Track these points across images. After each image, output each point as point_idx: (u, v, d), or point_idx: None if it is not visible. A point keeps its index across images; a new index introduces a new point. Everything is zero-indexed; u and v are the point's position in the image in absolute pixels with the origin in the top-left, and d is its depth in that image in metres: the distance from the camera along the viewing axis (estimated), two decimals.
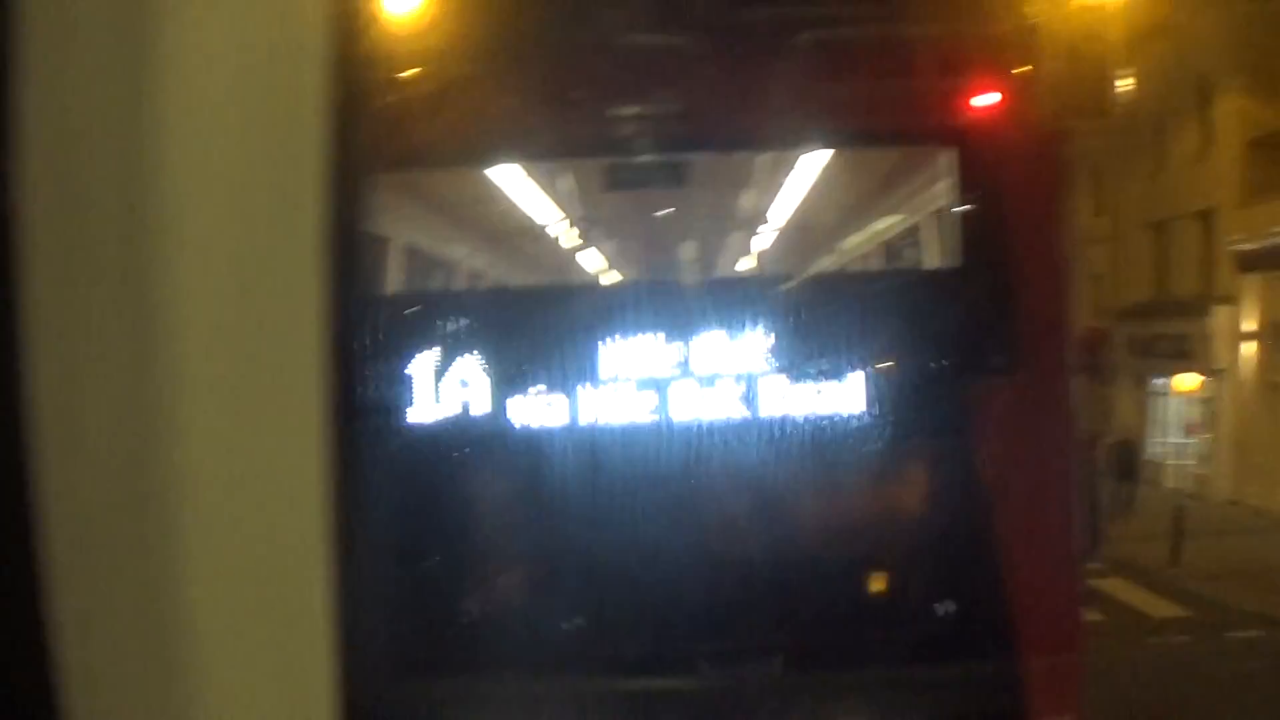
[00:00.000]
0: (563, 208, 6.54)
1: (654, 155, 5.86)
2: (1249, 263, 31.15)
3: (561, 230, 6.59)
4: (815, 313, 5.63)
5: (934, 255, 6.24)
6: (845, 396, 5.42)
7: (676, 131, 5.73)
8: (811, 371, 5.43)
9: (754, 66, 5.74)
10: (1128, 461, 27.07)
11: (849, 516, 5.74)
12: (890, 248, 6.63)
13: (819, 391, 5.42)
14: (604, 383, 5.39)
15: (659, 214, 6.55)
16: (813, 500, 5.66)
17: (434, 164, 5.78)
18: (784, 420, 5.40)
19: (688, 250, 6.87)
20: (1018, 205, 5.61)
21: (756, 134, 5.92)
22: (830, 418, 5.39)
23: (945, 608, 5.59)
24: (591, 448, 5.41)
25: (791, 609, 5.60)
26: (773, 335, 5.43)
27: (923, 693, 5.49)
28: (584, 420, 5.42)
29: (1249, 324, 31.04)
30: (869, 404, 5.41)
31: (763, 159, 6.38)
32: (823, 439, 5.40)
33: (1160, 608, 20.84)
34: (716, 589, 5.39)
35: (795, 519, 5.66)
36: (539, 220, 6.55)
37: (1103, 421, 42.45)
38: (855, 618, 5.66)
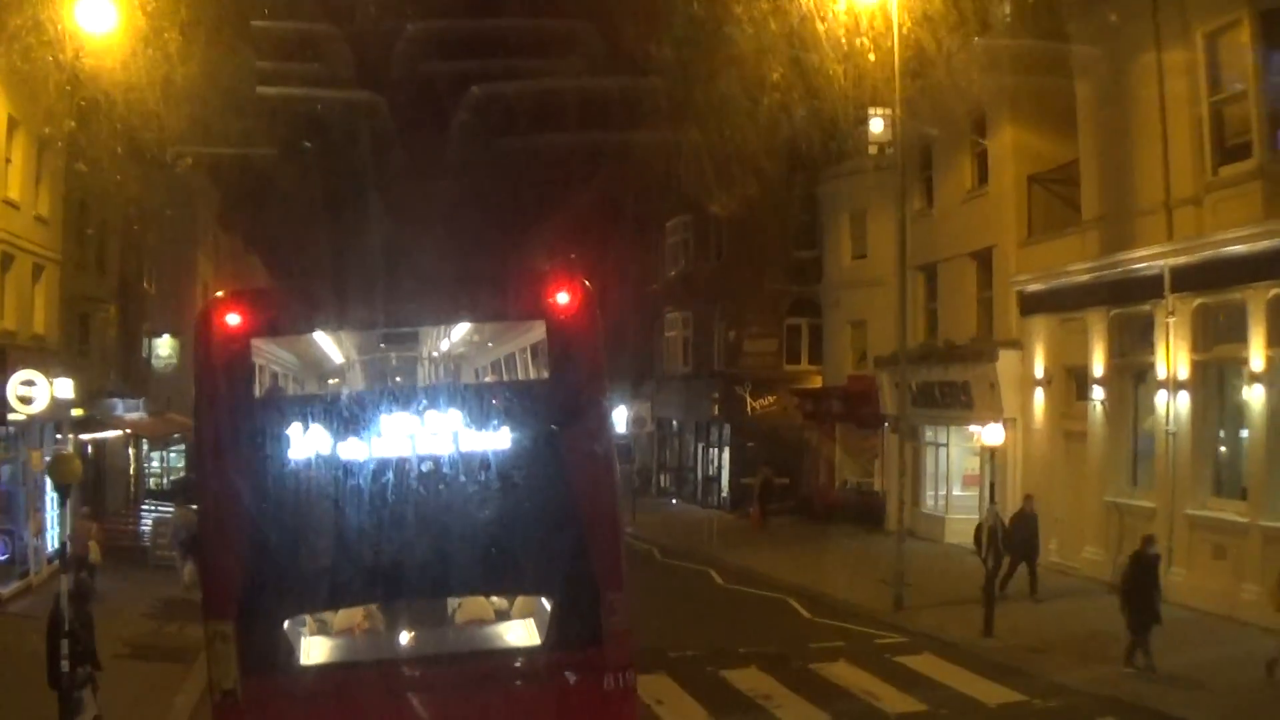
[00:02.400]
0: (360, 352, 12.72)
1: (401, 329, 11.88)
2: (1035, 304, 29.27)
3: (368, 363, 12.76)
4: (483, 404, 10.63)
5: (539, 370, 11.50)
6: (496, 441, 10.47)
7: (409, 319, 11.64)
8: (479, 429, 10.44)
9: (439, 301, 11.68)
10: (1030, 532, 24.39)
11: (499, 501, 10.39)
12: (516, 365, 12.37)
13: (484, 439, 10.44)
14: (379, 436, 10.36)
15: (407, 359, 12.83)
16: (478, 495, 10.38)
17: (303, 331, 11.62)
18: (469, 454, 10.37)
19: (417, 372, 12.64)
20: (574, 348, 10.67)
21: (445, 317, 11.97)
22: (490, 452, 10.41)
23: (542, 555, 10.35)
24: (373, 472, 10.12)
25: (464, 555, 10.25)
26: (460, 412, 10.44)
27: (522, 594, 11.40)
28: (371, 455, 10.22)
29: (1038, 369, 29.05)
30: (510, 445, 10.48)
31: (450, 328, 12.36)
32: (486, 464, 10.37)
33: (989, 691, 17.78)
34: (430, 541, 10.26)
35: (470, 505, 10.37)
36: (350, 357, 12.66)
37: (868, 474, 40.43)
38: (506, 560, 10.46)
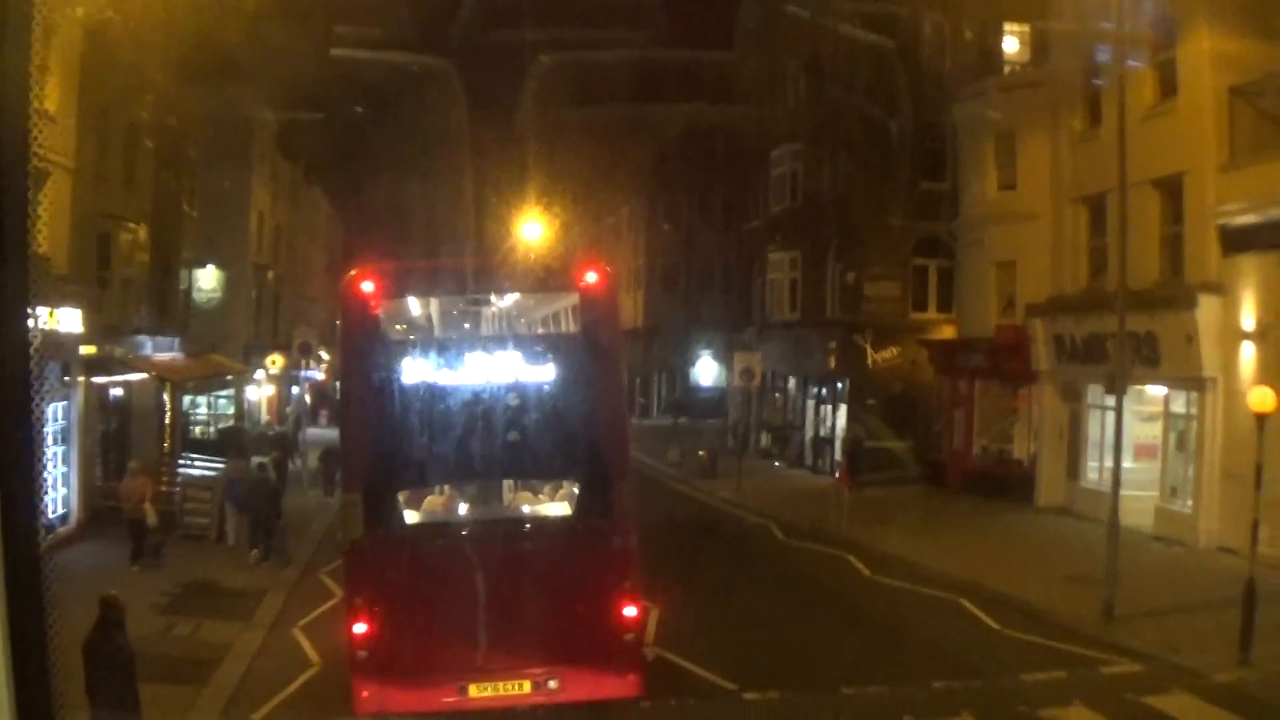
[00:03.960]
0: (449, 309, 18.11)
1: (479, 296, 17.15)
2: (1243, 240, 24.28)
3: (454, 317, 18.43)
4: (533, 348, 14.46)
5: (573, 326, 15.06)
6: (542, 375, 13.94)
7: (484, 289, 16.68)
8: (530, 365, 13.99)
9: (505, 276, 18.14)
10: None
11: (543, 416, 13.88)
12: (559, 321, 16.35)
13: (533, 372, 13.94)
14: (461, 368, 14.16)
15: (481, 315, 19.17)
16: (529, 411, 13.81)
17: (414, 295, 16.65)
18: (523, 383, 13.83)
19: (491, 327, 18.55)
20: (598, 311, 14.19)
21: (509, 287, 16.95)
22: (537, 382, 13.90)
23: (573, 455, 14.09)
24: (456, 393, 13.78)
25: (520, 452, 13.93)
26: (518, 353, 14.19)
27: (565, 482, 15.17)
28: (455, 382, 13.89)
29: (1247, 320, 24.11)
30: (555, 380, 13.95)
31: (513, 298, 17.46)
32: (535, 390, 13.83)
33: None
34: (496, 441, 13.84)
35: (524, 418, 13.82)
36: (447, 314, 18.08)
37: (1006, 439, 35.60)
38: (547, 457, 14.11)
